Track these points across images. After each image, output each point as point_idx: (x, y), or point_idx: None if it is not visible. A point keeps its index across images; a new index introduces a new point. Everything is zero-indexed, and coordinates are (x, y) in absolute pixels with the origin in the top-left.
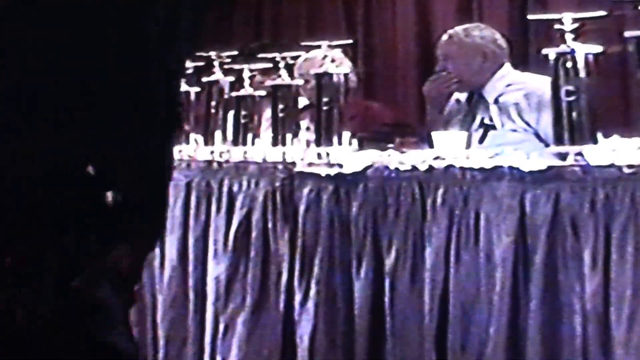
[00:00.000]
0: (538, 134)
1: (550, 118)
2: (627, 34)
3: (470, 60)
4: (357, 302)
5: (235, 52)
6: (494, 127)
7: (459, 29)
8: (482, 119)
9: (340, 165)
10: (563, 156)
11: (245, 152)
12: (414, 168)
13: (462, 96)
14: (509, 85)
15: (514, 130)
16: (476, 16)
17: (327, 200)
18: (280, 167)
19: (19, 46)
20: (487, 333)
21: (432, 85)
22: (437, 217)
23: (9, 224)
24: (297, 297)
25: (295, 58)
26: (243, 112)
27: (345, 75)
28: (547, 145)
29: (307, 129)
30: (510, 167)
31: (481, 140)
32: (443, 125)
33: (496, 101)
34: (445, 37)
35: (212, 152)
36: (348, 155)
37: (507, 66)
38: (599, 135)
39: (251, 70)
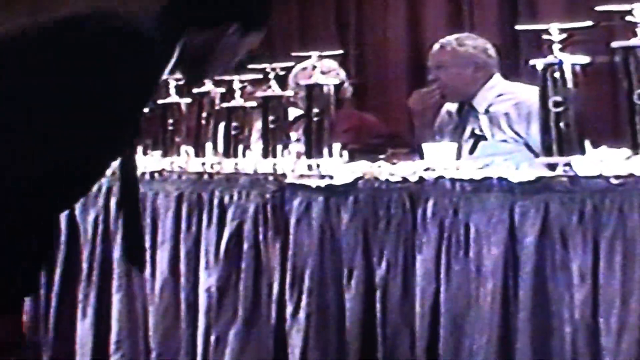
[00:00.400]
0: (528, 145)
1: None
2: (614, 44)
3: (463, 69)
4: (348, 313)
5: None
6: (484, 138)
7: (451, 38)
8: (473, 130)
9: (331, 177)
10: (552, 167)
11: (236, 164)
12: (405, 179)
13: (453, 107)
14: (499, 95)
15: (504, 141)
16: (467, 26)
17: (318, 211)
18: (271, 178)
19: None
20: (478, 343)
21: (417, 98)
22: (428, 228)
23: (9, 223)
24: (289, 309)
25: (285, 69)
26: (234, 124)
27: (341, 85)
28: (537, 155)
29: (298, 140)
30: (500, 179)
31: (471, 151)
32: (434, 136)
33: (486, 111)
34: (437, 46)
35: (203, 164)
36: (339, 167)
37: (497, 76)
38: (587, 146)
39: (242, 82)
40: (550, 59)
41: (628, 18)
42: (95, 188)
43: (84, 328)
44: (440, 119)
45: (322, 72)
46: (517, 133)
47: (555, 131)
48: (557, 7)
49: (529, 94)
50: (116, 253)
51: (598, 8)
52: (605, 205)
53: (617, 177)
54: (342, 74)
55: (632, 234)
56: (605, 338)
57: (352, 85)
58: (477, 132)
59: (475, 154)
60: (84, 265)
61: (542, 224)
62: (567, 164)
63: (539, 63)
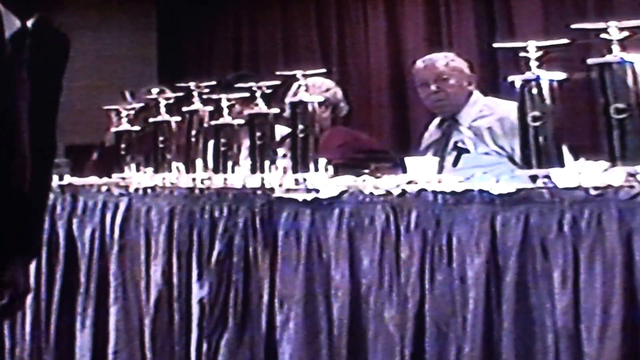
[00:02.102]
0: (512, 158)
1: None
2: (590, 61)
3: (461, 80)
4: (336, 322)
5: (213, 83)
6: (467, 150)
7: (439, 55)
8: (455, 143)
9: (317, 191)
10: (532, 179)
11: (225, 179)
12: (388, 192)
13: (437, 122)
14: (481, 110)
15: (487, 154)
16: (446, 44)
17: (305, 224)
18: (259, 193)
19: None
20: (462, 350)
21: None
22: (411, 239)
23: None
24: (278, 318)
25: (271, 87)
26: (222, 140)
27: (337, 104)
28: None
29: (284, 156)
30: (481, 191)
31: (455, 163)
32: (422, 150)
33: (470, 126)
34: (429, 61)
35: (193, 179)
36: (324, 181)
37: (477, 93)
38: (566, 158)
39: (229, 100)
40: (528, 75)
41: (603, 35)
42: (91, 204)
43: (83, 339)
44: (428, 133)
45: (326, 90)
46: (501, 147)
47: (535, 144)
48: (534, 26)
49: (510, 109)
50: (112, 266)
51: (574, 26)
52: (584, 216)
53: (595, 188)
54: (339, 93)
55: (611, 243)
56: (587, 345)
57: (349, 103)
58: (459, 145)
59: (459, 166)
60: (82, 279)
61: (523, 234)
62: (547, 176)
63: (517, 79)
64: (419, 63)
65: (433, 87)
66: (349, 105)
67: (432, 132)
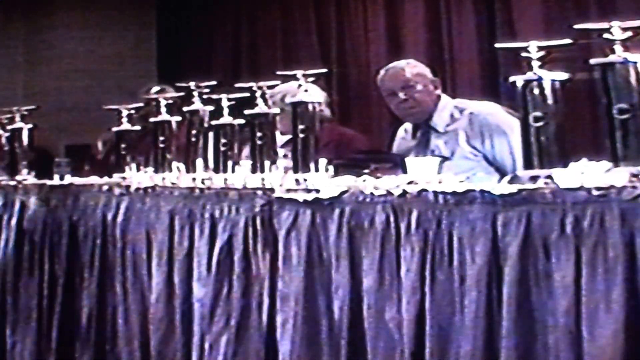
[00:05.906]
0: (487, 158)
1: (495, 139)
2: (593, 61)
3: (427, 85)
4: (337, 322)
5: (213, 83)
6: (448, 158)
7: (402, 62)
8: (433, 151)
9: (317, 191)
10: (533, 179)
11: (226, 179)
12: (389, 193)
13: (410, 127)
14: (452, 113)
15: (466, 157)
16: (446, 45)
17: (305, 224)
18: (260, 193)
19: None
20: (463, 350)
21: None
22: (412, 239)
23: None
24: (279, 318)
25: (271, 87)
26: (223, 140)
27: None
28: (496, 168)
29: (285, 156)
30: (482, 191)
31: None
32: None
33: (446, 131)
34: (391, 70)
35: (194, 179)
36: (325, 181)
37: (445, 97)
38: (568, 159)
39: (229, 100)
40: (529, 75)
41: (606, 35)
42: (92, 204)
43: (83, 338)
44: (400, 139)
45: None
46: (474, 147)
47: (536, 145)
48: (535, 25)
49: (480, 108)
50: (113, 266)
51: (576, 26)
52: (586, 216)
53: (598, 188)
54: (320, 95)
55: (613, 243)
56: (588, 346)
57: (330, 105)
58: (437, 153)
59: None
60: (85, 276)
61: (525, 235)
62: (549, 177)
63: (518, 79)
64: (383, 72)
65: (401, 95)
66: (330, 105)
67: (404, 137)
